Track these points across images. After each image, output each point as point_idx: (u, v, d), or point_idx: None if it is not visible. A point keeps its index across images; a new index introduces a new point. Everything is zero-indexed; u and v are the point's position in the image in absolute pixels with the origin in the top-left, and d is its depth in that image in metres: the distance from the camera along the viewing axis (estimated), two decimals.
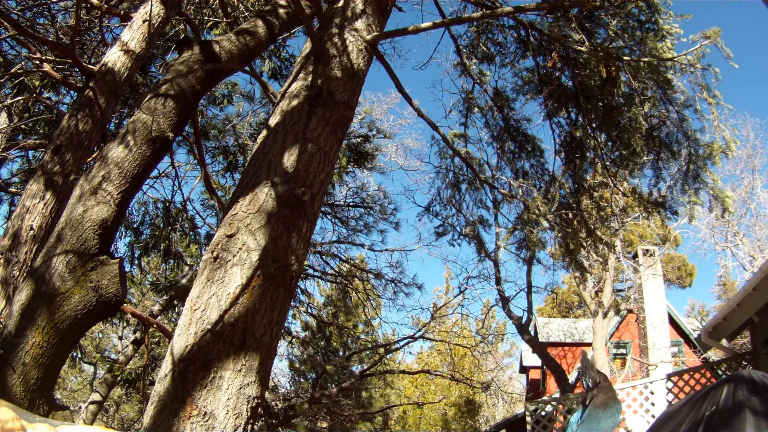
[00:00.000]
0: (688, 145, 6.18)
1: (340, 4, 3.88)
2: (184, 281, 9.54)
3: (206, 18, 7.54)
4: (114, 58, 4.44)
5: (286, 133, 3.20)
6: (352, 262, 13.07)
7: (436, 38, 56.24)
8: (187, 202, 9.00)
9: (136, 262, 8.66)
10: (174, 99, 3.57)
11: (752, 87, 40.06)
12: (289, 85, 3.52)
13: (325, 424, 14.45)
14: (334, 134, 3.32)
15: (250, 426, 2.51)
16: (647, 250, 15.45)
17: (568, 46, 5.74)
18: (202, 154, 6.78)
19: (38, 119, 7.69)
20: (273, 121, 3.34)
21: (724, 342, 8.70)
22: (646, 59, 5.61)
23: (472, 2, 5.90)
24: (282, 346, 13.84)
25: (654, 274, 14.99)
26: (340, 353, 15.13)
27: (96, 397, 9.48)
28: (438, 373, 16.54)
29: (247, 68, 4.71)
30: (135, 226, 8.65)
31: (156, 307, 10.34)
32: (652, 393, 8.40)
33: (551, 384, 18.05)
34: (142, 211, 8.76)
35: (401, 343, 14.08)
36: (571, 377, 16.34)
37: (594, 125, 6.39)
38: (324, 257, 11.97)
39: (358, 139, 10.97)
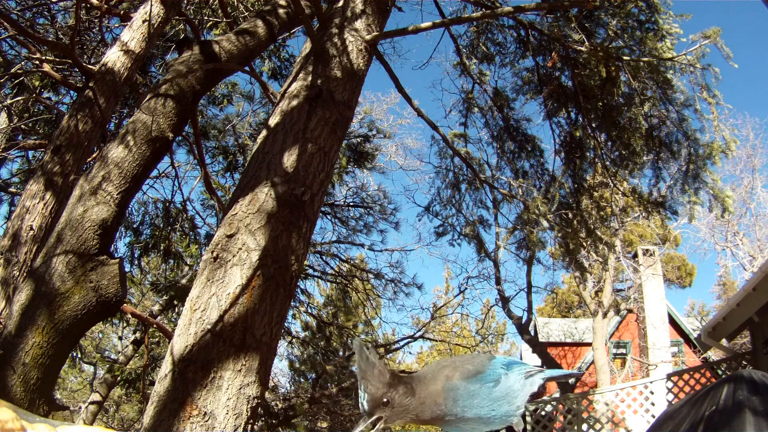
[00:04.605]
0: (688, 145, 6.19)
1: (340, 4, 3.88)
2: (184, 281, 9.53)
3: (206, 18, 7.53)
4: (114, 58, 4.44)
5: (286, 133, 3.20)
6: (352, 262, 13.07)
7: (435, 38, 56.22)
8: (187, 202, 9.00)
9: (136, 262, 8.66)
10: (174, 99, 3.57)
11: (752, 87, 40.06)
12: (289, 85, 3.52)
13: (325, 424, 14.45)
14: (334, 134, 3.32)
15: (250, 426, 2.51)
16: (647, 250, 15.44)
17: (568, 46, 5.74)
18: (202, 154, 6.78)
19: (38, 119, 7.69)
20: (273, 121, 3.34)
21: (724, 342, 8.70)
22: (646, 59, 5.61)
23: (472, 2, 5.90)
24: (282, 346, 13.83)
25: (654, 274, 14.99)
26: (340, 353, 15.12)
27: (96, 397, 9.47)
28: None
29: (247, 68, 4.71)
30: (135, 226, 8.65)
31: (156, 307, 10.34)
32: (652, 393, 8.40)
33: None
34: (142, 211, 8.77)
35: (401, 343, 14.08)
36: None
37: (594, 125, 6.39)
38: (324, 257, 11.96)
39: (358, 139, 10.96)
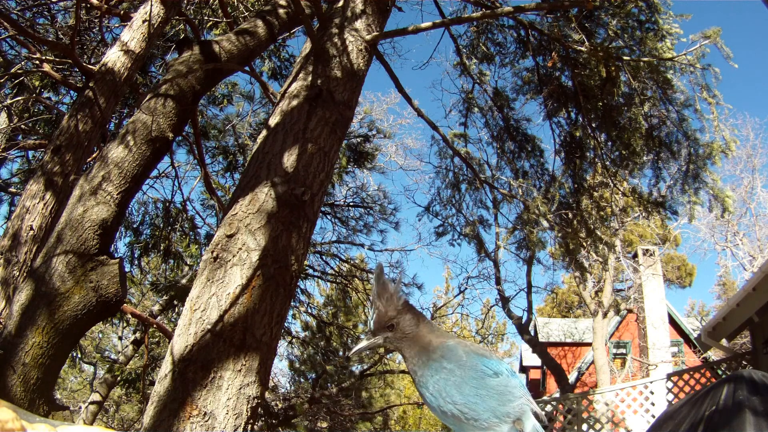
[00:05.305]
0: (688, 145, 6.19)
1: (340, 4, 3.88)
2: (184, 281, 9.53)
3: (206, 18, 7.53)
4: (114, 58, 4.44)
5: (286, 133, 3.20)
6: (352, 262, 13.06)
7: (436, 38, 56.19)
8: (187, 202, 9.00)
9: (136, 262, 8.66)
10: (174, 99, 3.57)
11: (752, 87, 40.10)
12: (289, 85, 3.52)
13: (325, 424, 14.45)
14: (334, 134, 3.32)
15: (250, 426, 2.51)
16: (647, 250, 15.45)
17: (568, 46, 5.74)
18: (202, 154, 6.78)
19: (38, 119, 7.68)
20: (273, 121, 3.34)
21: (724, 342, 8.70)
22: (646, 59, 5.61)
23: (472, 2, 5.90)
24: (282, 346, 13.84)
25: (654, 274, 14.99)
26: (340, 353, 15.12)
27: (96, 397, 9.47)
28: None
29: (247, 68, 4.71)
30: (135, 226, 8.65)
31: (156, 307, 10.33)
32: (652, 393, 8.40)
33: (551, 384, 18.05)
34: (142, 211, 8.77)
35: None
36: (571, 377, 16.34)
37: (594, 125, 6.39)
38: (324, 257, 11.96)
39: (358, 139, 10.96)
